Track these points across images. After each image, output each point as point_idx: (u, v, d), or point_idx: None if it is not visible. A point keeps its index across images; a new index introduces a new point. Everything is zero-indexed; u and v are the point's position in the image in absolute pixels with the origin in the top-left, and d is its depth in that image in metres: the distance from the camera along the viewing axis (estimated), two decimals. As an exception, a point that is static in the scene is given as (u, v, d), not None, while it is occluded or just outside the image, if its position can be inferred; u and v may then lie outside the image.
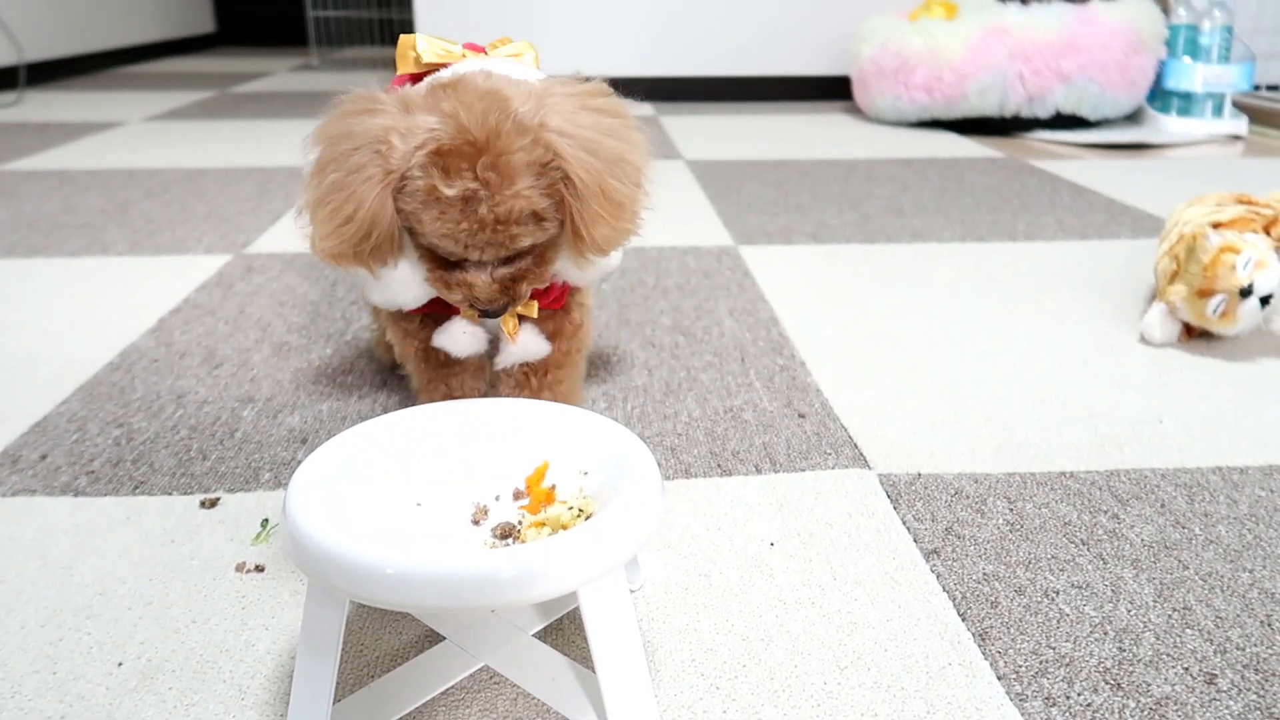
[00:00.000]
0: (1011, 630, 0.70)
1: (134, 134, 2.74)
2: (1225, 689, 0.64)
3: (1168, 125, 2.72)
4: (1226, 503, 0.86)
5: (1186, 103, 2.71)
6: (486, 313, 0.75)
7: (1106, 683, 0.64)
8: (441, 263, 0.73)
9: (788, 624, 0.70)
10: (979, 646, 0.68)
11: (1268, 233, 1.18)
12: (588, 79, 0.76)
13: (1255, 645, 0.68)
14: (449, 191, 0.65)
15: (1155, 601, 0.73)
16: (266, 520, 0.82)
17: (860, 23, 3.09)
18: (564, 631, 0.69)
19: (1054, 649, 0.68)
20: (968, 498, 0.87)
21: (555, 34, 3.28)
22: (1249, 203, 1.23)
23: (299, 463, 0.62)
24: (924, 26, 2.77)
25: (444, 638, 0.68)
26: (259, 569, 0.76)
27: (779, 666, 0.66)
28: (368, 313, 1.25)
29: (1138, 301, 1.37)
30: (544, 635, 0.69)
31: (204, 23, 5.97)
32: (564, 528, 0.63)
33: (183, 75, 4.35)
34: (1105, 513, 0.85)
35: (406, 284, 0.78)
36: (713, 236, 1.70)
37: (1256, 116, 2.87)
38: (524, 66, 0.84)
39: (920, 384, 1.10)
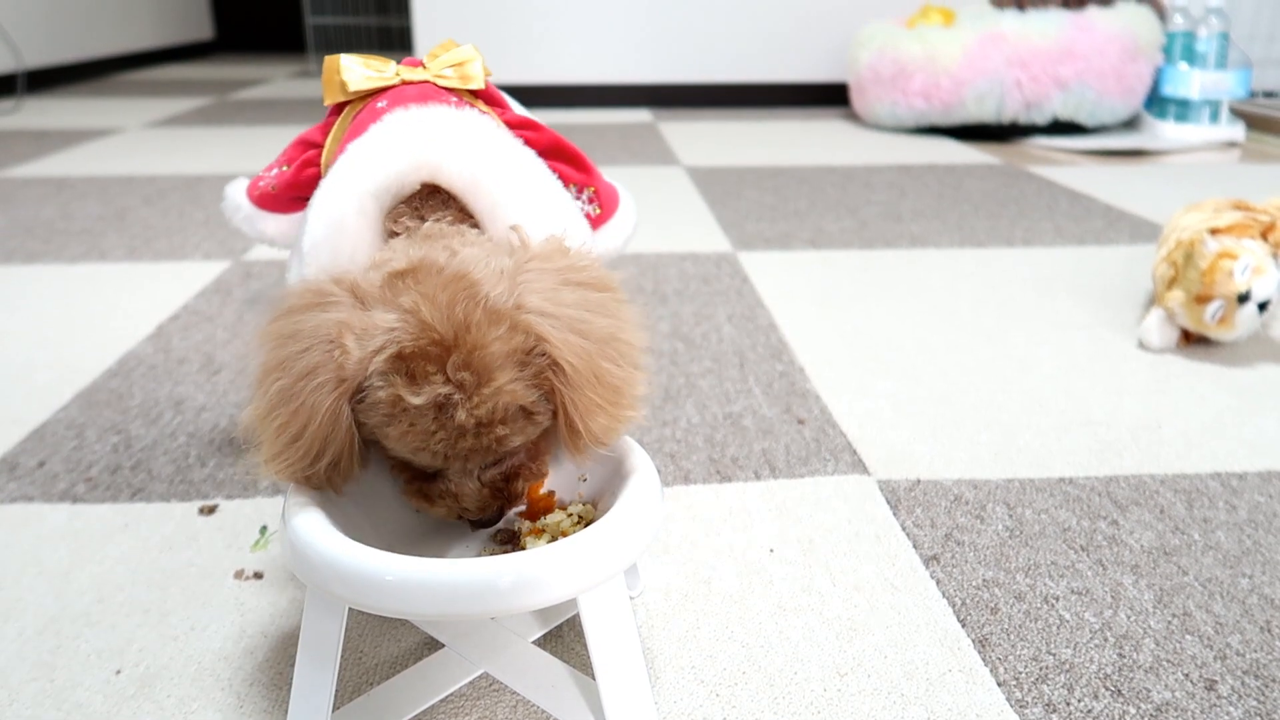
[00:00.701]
0: (1011, 636, 0.69)
1: (132, 141, 2.74)
2: (1225, 695, 0.64)
3: (1165, 132, 2.73)
4: (1225, 508, 0.86)
5: (1183, 109, 2.72)
6: (479, 523, 0.65)
7: (1107, 689, 0.64)
8: (418, 473, 0.62)
9: (787, 630, 0.70)
10: (979, 653, 0.68)
11: (1265, 238, 1.18)
12: (568, 246, 0.64)
13: (1255, 651, 0.68)
14: (416, 400, 0.55)
15: (1155, 607, 0.73)
16: (265, 527, 0.82)
17: (858, 29, 3.09)
18: (563, 638, 0.69)
19: (1054, 655, 0.68)
20: (967, 504, 0.87)
21: (554, 41, 3.28)
22: (1246, 208, 1.24)
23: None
24: (921, 33, 2.78)
25: (443, 645, 0.67)
26: (257, 576, 0.76)
27: (779, 673, 0.66)
28: None
29: (1136, 307, 1.37)
30: (544, 642, 0.69)
31: (202, 29, 5.97)
32: (563, 534, 0.63)
33: (181, 82, 4.35)
34: (1104, 518, 0.85)
35: None
36: (711, 242, 1.70)
37: (1253, 123, 2.88)
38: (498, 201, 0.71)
39: (919, 390, 1.10)
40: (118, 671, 0.65)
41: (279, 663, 0.66)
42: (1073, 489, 0.90)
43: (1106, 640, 0.69)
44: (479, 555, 0.63)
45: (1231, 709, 0.63)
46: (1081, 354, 1.21)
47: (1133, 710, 0.63)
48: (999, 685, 0.65)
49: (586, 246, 0.64)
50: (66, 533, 0.82)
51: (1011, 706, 0.63)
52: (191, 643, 0.68)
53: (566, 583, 0.52)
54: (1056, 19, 2.69)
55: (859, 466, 0.93)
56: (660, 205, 1.99)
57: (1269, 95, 2.99)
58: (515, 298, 0.57)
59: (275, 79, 4.53)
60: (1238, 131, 2.70)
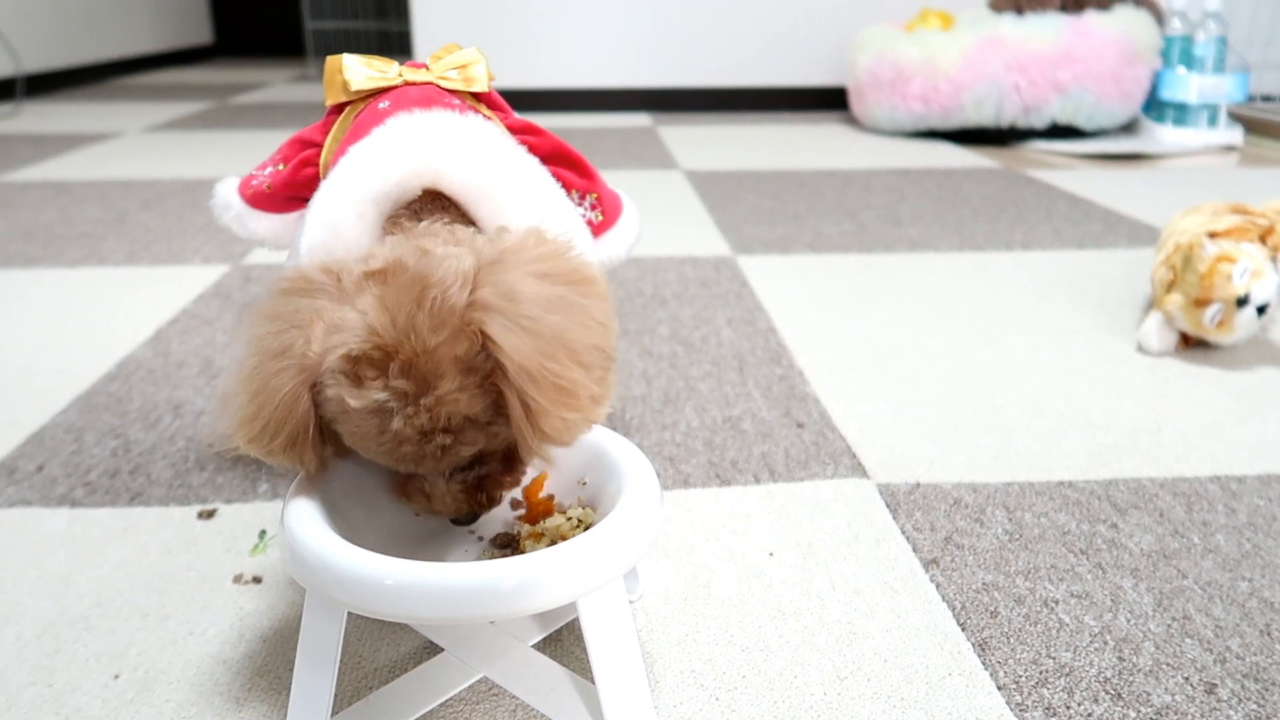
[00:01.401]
0: (1011, 640, 0.69)
1: (132, 145, 2.74)
2: (1225, 698, 0.64)
3: (1163, 135, 2.73)
4: (1225, 511, 0.86)
5: (1182, 113, 2.72)
6: (459, 520, 0.65)
7: (1107, 692, 0.64)
8: (397, 473, 0.62)
9: (787, 634, 0.70)
10: (979, 656, 0.68)
11: (1264, 242, 1.18)
12: (547, 236, 0.62)
13: (1255, 654, 0.68)
14: (355, 404, 0.55)
15: (1155, 611, 0.73)
16: (264, 531, 0.82)
17: (857, 33, 3.10)
18: (563, 642, 0.69)
19: (1054, 659, 0.68)
20: (967, 507, 0.87)
21: (553, 45, 3.29)
22: (1245, 212, 1.24)
23: (297, 474, 0.62)
24: (920, 37, 2.78)
25: (443, 649, 0.67)
26: (257, 580, 0.76)
27: (778, 677, 0.66)
28: None
29: (1134, 311, 1.38)
30: (543, 646, 0.68)
31: (202, 34, 5.98)
32: (563, 538, 0.63)
33: (180, 86, 4.36)
34: (1104, 522, 0.85)
35: None
36: (710, 246, 1.70)
37: (1251, 127, 2.88)
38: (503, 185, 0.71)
39: (918, 393, 1.10)
40: (116, 676, 0.65)
41: (278, 667, 0.66)
42: (1072, 492, 0.90)
43: (1106, 643, 0.69)
44: (478, 559, 0.63)
45: (1231, 712, 0.63)
46: (1080, 357, 1.21)
47: (1133, 714, 0.62)
48: (999, 689, 0.65)
49: (568, 237, 0.63)
50: (65, 537, 0.82)
51: (1011, 710, 0.63)
52: (190, 647, 0.68)
53: (566, 587, 0.52)
54: (1055, 23, 2.70)
55: (858, 470, 0.93)
56: (659, 209, 1.99)
57: (1267, 99, 3.00)
58: (468, 297, 0.56)
59: (274, 83, 4.54)
60: (1236, 135, 2.70)
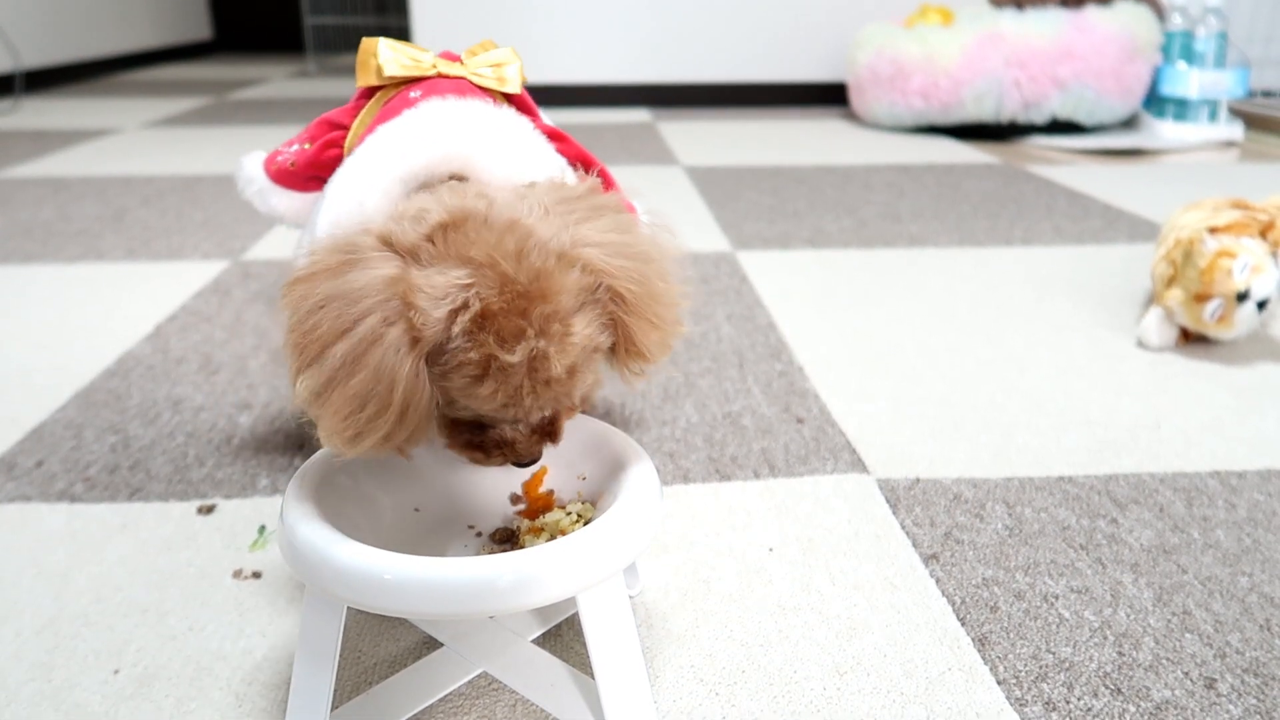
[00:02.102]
0: (1011, 635, 0.69)
1: (130, 141, 2.74)
2: (1225, 693, 0.64)
3: (1163, 131, 2.73)
4: (1225, 507, 0.86)
5: (1182, 109, 2.72)
6: (523, 464, 0.64)
7: (1106, 687, 0.64)
8: (468, 428, 0.60)
9: (787, 629, 0.70)
10: (978, 651, 0.68)
11: (1264, 237, 1.18)
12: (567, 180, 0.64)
13: (1255, 649, 0.68)
14: (512, 359, 0.53)
15: (1154, 606, 0.73)
16: (264, 527, 0.82)
17: (857, 30, 3.10)
18: (563, 637, 0.69)
19: (1054, 654, 0.68)
20: (966, 502, 0.87)
21: (553, 41, 3.28)
22: (1245, 207, 1.24)
23: (296, 469, 0.61)
24: (920, 33, 2.78)
25: (442, 644, 0.67)
26: (256, 575, 0.76)
27: (778, 672, 0.66)
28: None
29: (1135, 307, 1.37)
30: (543, 641, 0.68)
31: (201, 30, 5.97)
32: (562, 533, 0.63)
33: (179, 82, 4.35)
34: (1104, 517, 0.85)
35: None
36: (710, 242, 1.70)
37: (1252, 122, 2.88)
38: (510, 147, 0.72)
39: (918, 389, 1.10)
40: (116, 671, 0.65)
41: (277, 662, 0.66)
42: (1072, 488, 0.90)
43: (1106, 638, 0.69)
44: (478, 554, 0.63)
45: (1231, 707, 0.63)
46: (1080, 353, 1.21)
47: (1132, 708, 0.62)
48: (999, 683, 0.65)
49: (584, 178, 0.63)
50: (64, 533, 0.82)
51: (1011, 705, 0.63)
52: (190, 642, 0.68)
53: (565, 581, 0.52)
54: (1055, 19, 2.69)
55: (858, 465, 0.93)
56: (659, 205, 1.98)
57: (1267, 95, 3.00)
58: (570, 234, 0.56)
59: (274, 79, 4.53)
60: (1236, 131, 2.70)
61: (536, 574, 0.51)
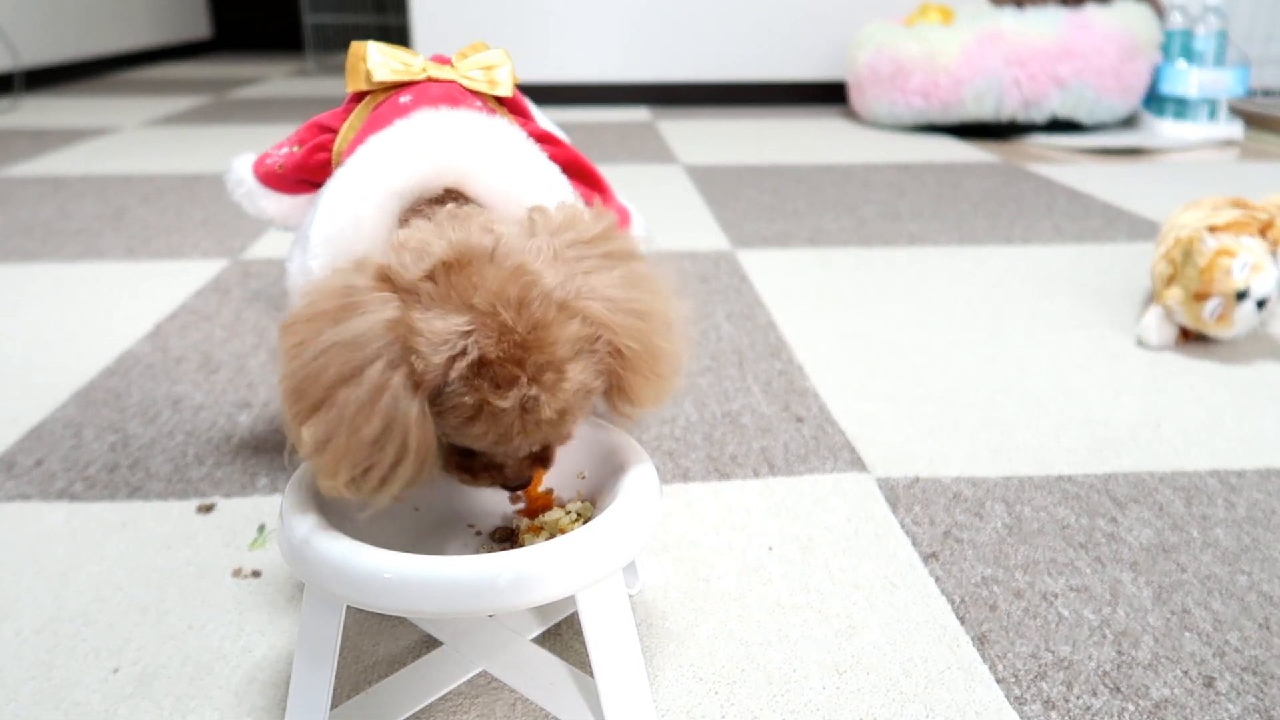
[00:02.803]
0: (1010, 633, 0.69)
1: (130, 140, 2.74)
2: (1224, 692, 0.64)
3: (1163, 130, 2.73)
4: (1224, 505, 0.86)
5: (1182, 107, 2.72)
6: (515, 486, 0.65)
7: (1105, 686, 0.64)
8: (459, 450, 0.61)
9: (786, 628, 0.70)
10: (978, 650, 0.68)
11: (1264, 236, 1.18)
12: (584, 214, 0.63)
13: (1254, 648, 0.68)
14: (504, 405, 0.54)
15: (1154, 604, 0.73)
16: (263, 525, 0.82)
17: (857, 28, 3.09)
18: (562, 636, 0.69)
19: (1053, 652, 0.68)
20: (966, 501, 0.87)
21: (552, 39, 3.28)
22: (1245, 206, 1.24)
23: (294, 471, 0.61)
24: (920, 32, 2.78)
25: (441, 643, 0.67)
26: (255, 574, 0.76)
27: (777, 671, 0.66)
28: None
29: (1134, 305, 1.37)
30: (542, 640, 0.68)
31: (200, 28, 5.97)
32: (562, 532, 0.63)
33: (179, 81, 4.35)
34: (1103, 516, 0.85)
35: None
36: (710, 241, 1.70)
37: (1252, 121, 2.88)
38: (513, 161, 0.72)
39: (918, 388, 1.10)
40: (115, 670, 0.65)
41: (277, 661, 0.66)
42: (1071, 486, 0.90)
43: (1105, 637, 0.69)
44: (477, 553, 0.63)
45: (1230, 705, 0.63)
46: (1080, 352, 1.21)
47: (1131, 707, 0.62)
48: (998, 682, 0.65)
49: (601, 211, 0.63)
50: (64, 531, 0.82)
51: (1010, 703, 0.63)
52: (189, 641, 0.68)
53: (565, 580, 0.52)
54: (1055, 17, 2.69)
55: (858, 464, 0.93)
56: (659, 204, 1.98)
57: (1267, 93, 3.00)
58: (575, 285, 0.56)
59: (273, 78, 4.53)
60: (1236, 129, 2.70)
61: (536, 572, 0.51)
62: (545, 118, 0.90)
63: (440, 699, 0.63)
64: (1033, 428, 1.01)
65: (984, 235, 1.74)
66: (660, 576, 0.76)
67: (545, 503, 0.67)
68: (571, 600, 0.55)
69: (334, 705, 0.61)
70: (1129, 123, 2.87)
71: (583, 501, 0.66)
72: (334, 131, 0.84)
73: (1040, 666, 0.66)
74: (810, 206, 1.96)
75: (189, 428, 1.00)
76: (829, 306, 1.37)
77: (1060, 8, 2.79)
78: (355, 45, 0.79)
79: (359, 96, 0.83)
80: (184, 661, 0.66)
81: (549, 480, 0.69)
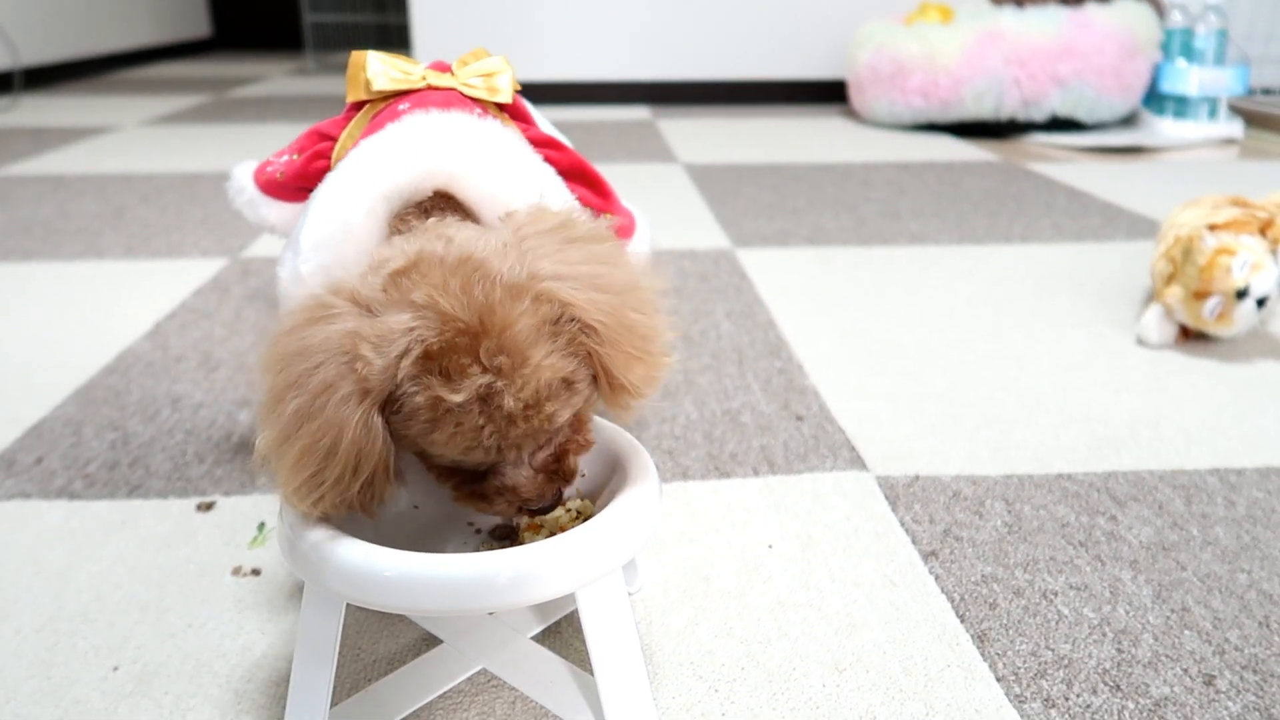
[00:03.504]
0: (1010, 632, 0.69)
1: (130, 139, 2.74)
2: (1224, 690, 0.64)
3: (1163, 128, 2.73)
4: (1224, 504, 0.86)
5: (1182, 106, 2.72)
6: (538, 510, 0.61)
7: (1105, 684, 0.64)
8: (468, 476, 0.59)
9: (786, 626, 0.70)
10: (978, 648, 0.68)
11: (1263, 234, 1.18)
12: (552, 209, 0.62)
13: (1253, 646, 0.68)
14: (457, 398, 0.51)
15: (1153, 603, 0.73)
16: (263, 524, 0.82)
17: (857, 27, 3.09)
18: (562, 634, 0.69)
19: (1053, 650, 0.68)
20: (966, 499, 0.87)
21: (552, 38, 3.28)
22: (1245, 205, 1.24)
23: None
24: (920, 31, 2.78)
25: (441, 641, 0.67)
26: (255, 572, 0.76)
27: (777, 669, 0.66)
28: None
29: (1134, 304, 1.37)
30: (542, 638, 0.68)
31: (200, 27, 5.97)
32: (561, 530, 0.63)
33: (178, 80, 4.35)
34: (1103, 514, 0.85)
35: None
36: (710, 240, 1.70)
37: (1252, 120, 2.88)
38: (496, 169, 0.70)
39: (918, 386, 1.10)
40: (115, 668, 0.65)
41: (277, 659, 0.66)
42: (1071, 485, 0.90)
43: (1105, 635, 0.69)
44: (477, 551, 0.63)
45: (1230, 704, 0.63)
46: (1080, 350, 1.21)
47: (1131, 705, 0.63)
48: (998, 680, 0.65)
49: (570, 205, 0.62)
50: (64, 530, 0.82)
51: (1010, 702, 0.63)
52: (189, 639, 0.68)
53: (564, 578, 0.52)
54: (1055, 16, 2.69)
55: (857, 463, 0.93)
56: (658, 202, 1.98)
57: (1267, 92, 3.00)
58: (527, 267, 0.54)
59: (273, 76, 4.53)
60: (1236, 128, 2.70)
61: (535, 570, 0.51)
62: (548, 122, 0.90)
63: (440, 697, 0.63)
64: (1032, 426, 1.01)
65: (984, 234, 1.74)
66: (660, 575, 0.76)
67: (545, 501, 0.67)
68: (572, 598, 0.55)
69: (334, 703, 0.61)
70: (1129, 121, 2.87)
71: (582, 499, 0.66)
72: (333, 139, 0.84)
73: (1040, 664, 0.66)
74: (810, 205, 1.96)
75: (189, 426, 1.00)
76: (829, 305, 1.37)
77: (1060, 7, 2.79)
78: (355, 55, 0.78)
79: (359, 105, 0.83)
80: (184, 660, 0.66)
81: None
